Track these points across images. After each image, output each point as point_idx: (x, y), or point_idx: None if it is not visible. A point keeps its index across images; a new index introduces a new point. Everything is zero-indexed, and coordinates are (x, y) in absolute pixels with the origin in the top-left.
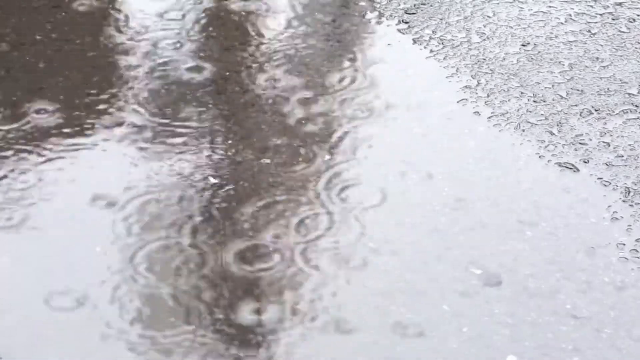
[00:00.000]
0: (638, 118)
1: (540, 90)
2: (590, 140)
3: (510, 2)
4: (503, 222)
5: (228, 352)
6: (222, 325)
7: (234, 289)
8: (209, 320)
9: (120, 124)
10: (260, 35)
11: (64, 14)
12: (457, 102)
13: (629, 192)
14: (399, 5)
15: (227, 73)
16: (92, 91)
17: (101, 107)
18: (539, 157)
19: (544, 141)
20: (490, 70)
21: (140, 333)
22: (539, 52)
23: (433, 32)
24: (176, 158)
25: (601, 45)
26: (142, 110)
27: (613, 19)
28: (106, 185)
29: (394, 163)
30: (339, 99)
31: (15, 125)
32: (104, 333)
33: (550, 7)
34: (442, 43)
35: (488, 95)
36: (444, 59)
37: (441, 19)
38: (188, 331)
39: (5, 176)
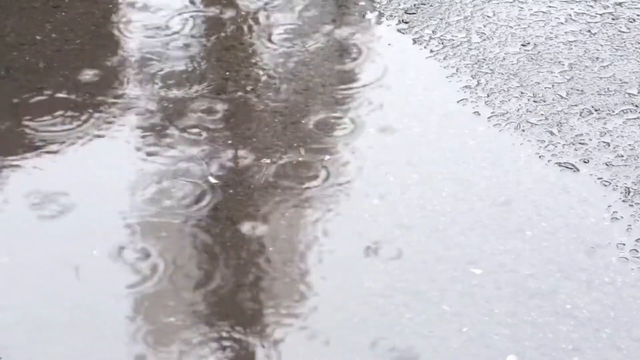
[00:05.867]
0: (638, 118)
1: (540, 90)
2: (590, 140)
3: (510, 2)
4: (503, 222)
5: None
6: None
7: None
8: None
9: (118, 125)
10: (261, 35)
11: (64, 14)
12: (457, 102)
13: (629, 192)
14: (399, 5)
15: (227, 73)
16: (91, 92)
17: (100, 107)
18: (539, 157)
19: (544, 141)
20: (490, 70)
21: (140, 333)
22: (539, 52)
23: (433, 32)
24: (176, 159)
25: (601, 45)
26: (141, 110)
27: (613, 19)
28: (104, 186)
29: (394, 163)
30: (338, 99)
31: (16, 127)
32: (104, 334)
33: (550, 7)
34: (442, 43)
35: (488, 95)
36: (444, 59)
37: (441, 19)
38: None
39: (6, 176)
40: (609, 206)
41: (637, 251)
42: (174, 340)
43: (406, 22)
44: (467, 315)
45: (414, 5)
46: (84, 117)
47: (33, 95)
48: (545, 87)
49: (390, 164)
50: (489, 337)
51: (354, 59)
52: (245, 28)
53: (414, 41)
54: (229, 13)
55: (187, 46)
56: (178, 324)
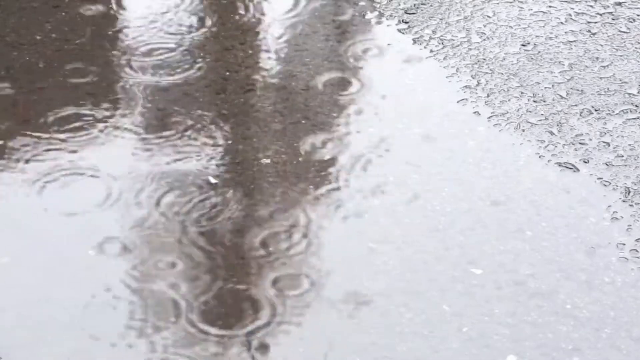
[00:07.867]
0: (638, 118)
1: (540, 90)
2: (590, 140)
3: (510, 2)
4: (503, 222)
5: None
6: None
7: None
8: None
9: (119, 125)
10: (260, 35)
11: (64, 14)
12: (457, 102)
13: (629, 192)
14: (399, 5)
15: (227, 73)
16: (91, 92)
17: (100, 107)
18: (539, 157)
19: (544, 141)
20: (490, 70)
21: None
22: (539, 52)
23: (433, 32)
24: (176, 158)
25: (601, 45)
26: (141, 110)
27: (613, 19)
28: (106, 188)
29: (394, 163)
30: (339, 99)
31: (16, 126)
32: (102, 333)
33: (550, 7)
34: (442, 43)
35: (488, 95)
36: (444, 59)
37: (441, 19)
38: None
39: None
40: (609, 206)
41: (637, 251)
42: (173, 340)
43: (406, 22)
44: (467, 315)
45: (414, 5)
46: (82, 117)
47: (33, 94)
48: (545, 87)
49: (391, 163)
50: (489, 337)
51: (354, 59)
52: (246, 28)
53: (414, 41)
54: (229, 13)
55: (186, 46)
56: (176, 324)
